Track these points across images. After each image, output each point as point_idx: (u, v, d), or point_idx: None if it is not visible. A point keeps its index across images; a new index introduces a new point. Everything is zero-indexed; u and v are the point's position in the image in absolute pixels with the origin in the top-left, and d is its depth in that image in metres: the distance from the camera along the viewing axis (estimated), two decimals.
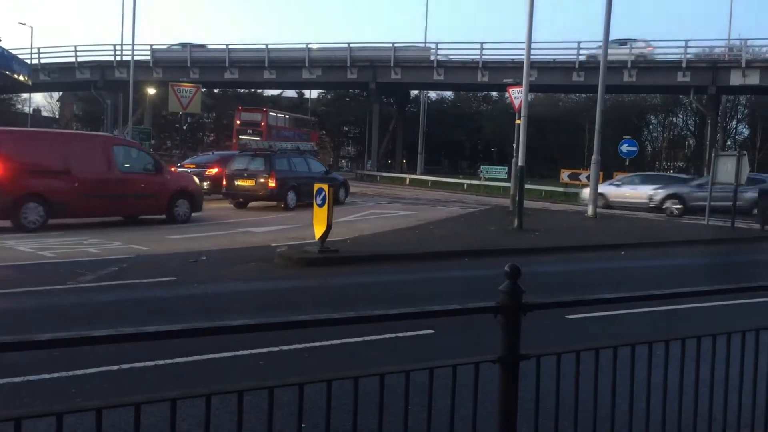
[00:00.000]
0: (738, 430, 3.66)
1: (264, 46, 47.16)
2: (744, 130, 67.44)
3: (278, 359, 5.84)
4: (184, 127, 25.09)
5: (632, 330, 6.84)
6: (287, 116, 47.74)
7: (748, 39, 41.17)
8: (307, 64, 45.94)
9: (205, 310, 8.04)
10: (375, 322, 2.84)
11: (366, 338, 6.21)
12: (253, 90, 67.92)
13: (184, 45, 48.00)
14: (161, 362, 5.55)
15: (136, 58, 41.50)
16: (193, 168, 23.81)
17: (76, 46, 50.46)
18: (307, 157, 23.32)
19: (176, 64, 47.47)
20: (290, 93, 70.75)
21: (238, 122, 42.94)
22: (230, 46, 47.64)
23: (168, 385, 5.14)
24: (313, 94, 71.24)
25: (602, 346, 3.22)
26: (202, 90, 26.56)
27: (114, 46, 49.00)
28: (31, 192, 14.08)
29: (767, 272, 11.91)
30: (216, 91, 64.92)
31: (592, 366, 3.15)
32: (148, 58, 47.76)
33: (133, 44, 40.77)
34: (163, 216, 16.40)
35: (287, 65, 46.67)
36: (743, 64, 38.35)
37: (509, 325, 2.88)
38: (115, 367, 5.43)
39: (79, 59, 50.07)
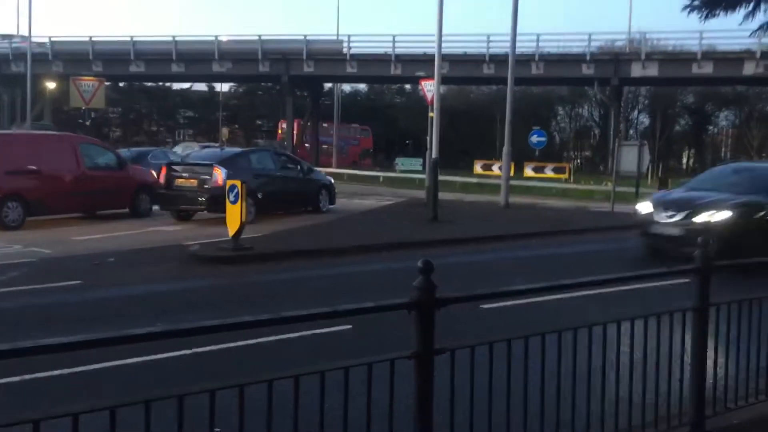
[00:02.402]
0: (642, 410, 3.83)
1: (171, 38, 45.77)
2: (645, 120, 70.66)
3: (190, 363, 5.69)
4: (88, 123, 23.97)
5: (545, 318, 7.04)
6: (326, 125, 53.26)
7: (647, 32, 42.97)
8: (216, 57, 44.92)
9: (111, 315, 7.74)
10: (289, 323, 2.80)
11: (281, 336, 6.13)
12: (161, 84, 65.84)
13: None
14: (66, 371, 5.30)
15: (34, 50, 39.40)
16: None
17: None
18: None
19: (77, 57, 45.31)
20: (201, 86, 68.99)
21: (280, 131, 52.65)
22: (135, 38, 45.97)
23: (73, 395, 4.92)
24: (224, 87, 69.81)
25: (514, 337, 3.30)
26: (106, 84, 25.52)
27: (10, 37, 46.34)
28: (11, 192, 14.32)
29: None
30: (121, 84, 62.52)
31: (505, 357, 3.22)
32: (47, 50, 45.47)
33: (30, 35, 38.66)
34: (127, 210, 16.74)
35: (196, 58, 45.49)
36: (643, 57, 40.11)
37: (423, 321, 2.89)
38: (17, 378, 5.15)
39: None
